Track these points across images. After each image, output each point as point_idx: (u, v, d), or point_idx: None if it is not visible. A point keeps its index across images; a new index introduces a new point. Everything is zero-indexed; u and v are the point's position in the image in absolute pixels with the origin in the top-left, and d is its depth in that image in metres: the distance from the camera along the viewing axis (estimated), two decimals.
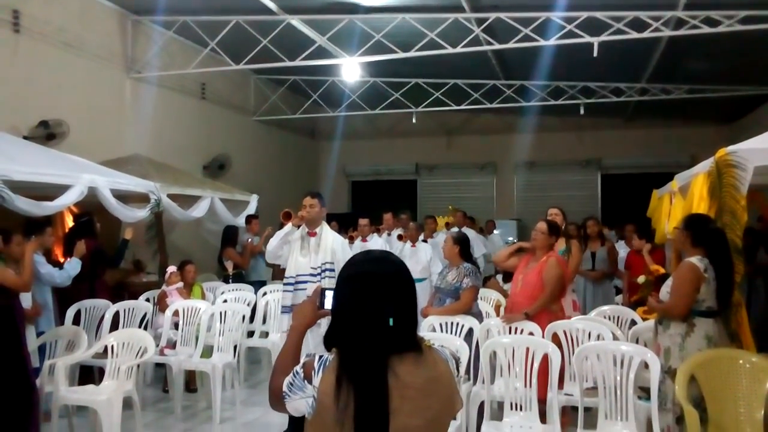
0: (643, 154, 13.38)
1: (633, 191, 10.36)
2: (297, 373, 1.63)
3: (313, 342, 3.89)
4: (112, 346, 4.72)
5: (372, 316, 1.59)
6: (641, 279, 5.57)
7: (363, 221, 7.71)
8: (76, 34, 7.78)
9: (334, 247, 4.54)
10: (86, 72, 7.99)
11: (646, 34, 7.40)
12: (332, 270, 4.47)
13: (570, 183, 14.26)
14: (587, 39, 7.48)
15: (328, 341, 1.67)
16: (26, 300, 4.73)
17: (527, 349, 3.79)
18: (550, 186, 14.08)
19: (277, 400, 1.68)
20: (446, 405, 1.62)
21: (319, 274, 4.49)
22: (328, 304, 1.80)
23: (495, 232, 12.07)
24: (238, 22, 8.27)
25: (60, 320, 5.45)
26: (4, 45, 6.90)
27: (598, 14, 7.33)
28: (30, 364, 4.44)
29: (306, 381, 1.60)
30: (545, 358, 3.75)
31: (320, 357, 1.61)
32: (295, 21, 8.25)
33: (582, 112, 11.68)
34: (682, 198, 5.23)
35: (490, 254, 9.67)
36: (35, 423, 4.27)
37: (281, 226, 4.78)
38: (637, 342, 4.48)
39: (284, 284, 4.68)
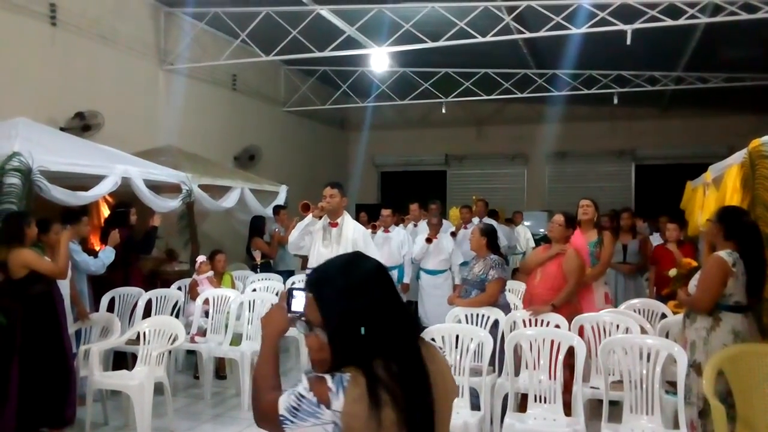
0: (680, 145, 13.07)
1: (668, 183, 10.16)
2: (303, 396, 1.43)
3: None
4: (145, 333, 4.84)
5: (401, 308, 1.52)
6: (672, 272, 5.47)
7: (386, 212, 7.66)
8: (110, 26, 7.94)
9: (355, 237, 4.55)
10: (120, 64, 8.14)
11: (681, 21, 7.22)
12: None
13: (603, 174, 14.04)
14: (620, 27, 7.34)
15: (343, 361, 1.45)
16: (64, 287, 4.88)
17: (552, 341, 3.76)
18: (583, 177, 13.88)
19: (269, 420, 1.48)
20: (453, 394, 1.62)
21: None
22: (296, 305, 1.60)
23: (526, 223, 11.94)
24: (269, 13, 8.32)
25: (95, 307, 5.61)
26: (42, 38, 7.07)
27: (632, 1, 7.17)
28: (69, 348, 4.59)
29: (322, 405, 1.40)
30: (571, 351, 3.73)
31: (333, 376, 1.42)
32: (325, 11, 8.26)
33: (616, 101, 11.47)
34: (715, 189, 5.12)
35: (514, 246, 9.57)
36: (72, 404, 4.42)
37: (303, 218, 4.80)
38: (666, 336, 4.41)
39: (306, 276, 4.69)
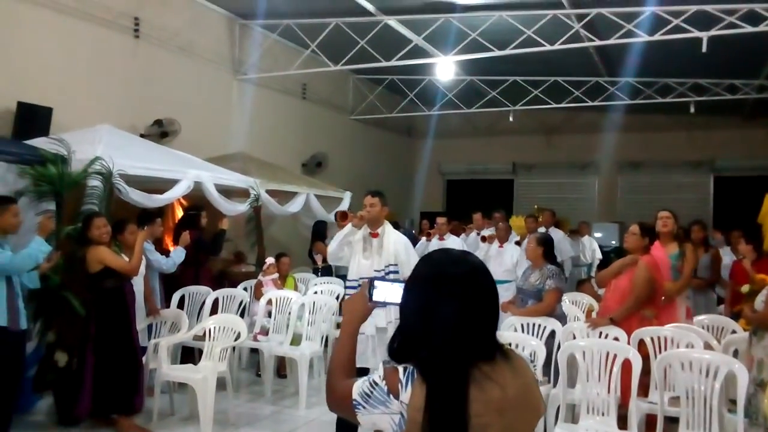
0: (763, 156, 12.41)
1: (750, 195, 9.67)
2: (376, 384, 1.47)
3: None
4: (210, 330, 5.07)
5: (448, 321, 1.43)
6: (745, 288, 5.25)
7: (440, 219, 7.66)
8: (188, 38, 8.36)
9: (397, 249, 4.36)
10: (197, 74, 8.57)
11: (761, 28, 6.91)
12: (396, 272, 4.27)
13: (679, 185, 13.54)
14: (696, 34, 7.11)
15: (401, 354, 1.49)
16: (138, 284, 5.18)
17: (607, 353, 3.70)
18: (657, 188, 13.43)
19: (343, 405, 1.54)
20: (536, 413, 1.53)
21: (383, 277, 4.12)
22: (378, 296, 1.66)
23: (597, 235, 11.62)
24: (338, 24, 8.54)
25: (166, 304, 5.90)
26: (126, 50, 7.54)
27: (708, 7, 6.92)
28: (138, 341, 4.86)
29: (391, 395, 1.44)
30: (629, 364, 3.65)
31: (405, 368, 1.45)
32: (392, 21, 8.40)
33: (692, 110, 11.04)
34: None
35: (578, 257, 9.34)
36: (140, 394, 4.68)
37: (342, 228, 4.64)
38: (735, 354, 4.23)
39: (347, 287, 4.59)
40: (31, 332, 4.63)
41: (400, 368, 1.45)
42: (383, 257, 4.35)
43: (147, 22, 7.72)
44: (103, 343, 4.56)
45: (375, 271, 4.33)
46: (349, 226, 4.48)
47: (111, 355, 4.56)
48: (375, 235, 4.43)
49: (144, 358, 4.93)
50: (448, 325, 1.43)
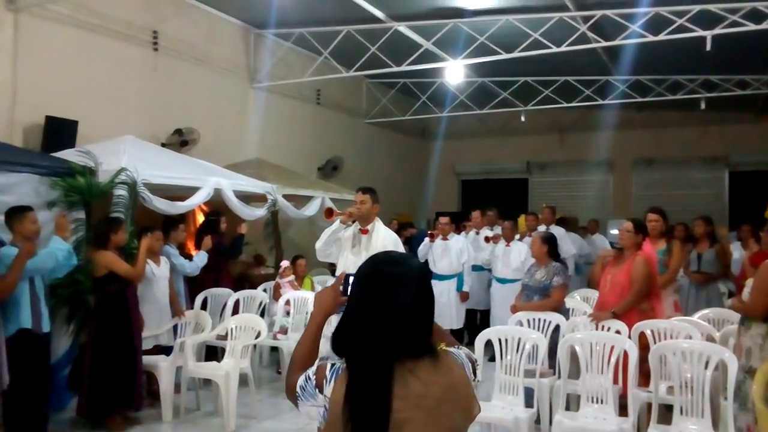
0: None
1: (765, 189, 9.73)
2: (309, 378, 1.57)
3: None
4: (232, 329, 5.34)
5: (379, 317, 1.50)
6: (748, 282, 5.40)
7: (443, 219, 7.66)
8: (205, 50, 8.66)
9: (385, 244, 4.32)
10: (214, 84, 8.86)
11: (765, 26, 7.01)
12: None
13: (694, 181, 13.60)
14: (700, 33, 7.23)
15: (338, 346, 1.58)
16: (164, 287, 5.45)
17: (604, 344, 3.88)
18: (672, 184, 13.49)
19: (292, 397, 1.63)
20: (464, 413, 1.55)
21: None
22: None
23: (613, 232, 11.68)
24: (349, 31, 8.78)
25: (190, 305, 6.18)
26: (146, 62, 7.84)
27: (711, 7, 7.04)
28: (137, 346, 4.90)
29: (317, 389, 1.54)
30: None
31: (332, 365, 1.54)
32: (402, 27, 8.62)
33: (703, 106, 11.10)
34: None
35: (588, 255, 9.40)
36: (138, 394, 4.86)
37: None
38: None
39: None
40: (63, 333, 4.91)
41: (329, 364, 1.54)
42: (371, 253, 4.28)
43: (165, 36, 8.02)
44: (101, 346, 4.71)
45: None
46: (336, 223, 4.46)
47: (107, 358, 4.69)
48: (365, 232, 4.43)
49: (171, 356, 5.19)
50: (377, 322, 1.50)
